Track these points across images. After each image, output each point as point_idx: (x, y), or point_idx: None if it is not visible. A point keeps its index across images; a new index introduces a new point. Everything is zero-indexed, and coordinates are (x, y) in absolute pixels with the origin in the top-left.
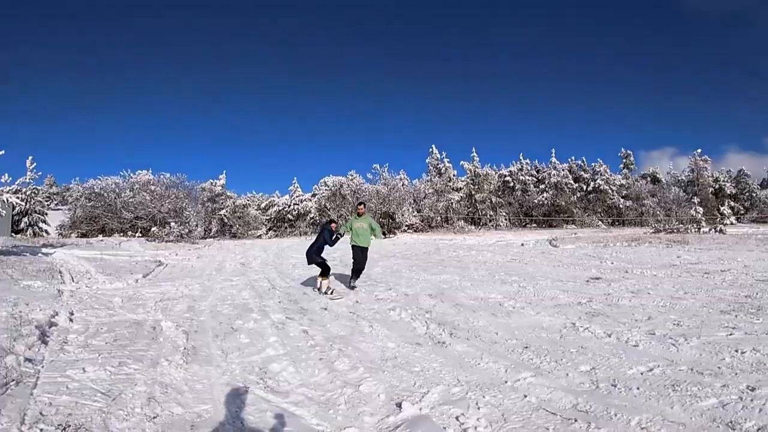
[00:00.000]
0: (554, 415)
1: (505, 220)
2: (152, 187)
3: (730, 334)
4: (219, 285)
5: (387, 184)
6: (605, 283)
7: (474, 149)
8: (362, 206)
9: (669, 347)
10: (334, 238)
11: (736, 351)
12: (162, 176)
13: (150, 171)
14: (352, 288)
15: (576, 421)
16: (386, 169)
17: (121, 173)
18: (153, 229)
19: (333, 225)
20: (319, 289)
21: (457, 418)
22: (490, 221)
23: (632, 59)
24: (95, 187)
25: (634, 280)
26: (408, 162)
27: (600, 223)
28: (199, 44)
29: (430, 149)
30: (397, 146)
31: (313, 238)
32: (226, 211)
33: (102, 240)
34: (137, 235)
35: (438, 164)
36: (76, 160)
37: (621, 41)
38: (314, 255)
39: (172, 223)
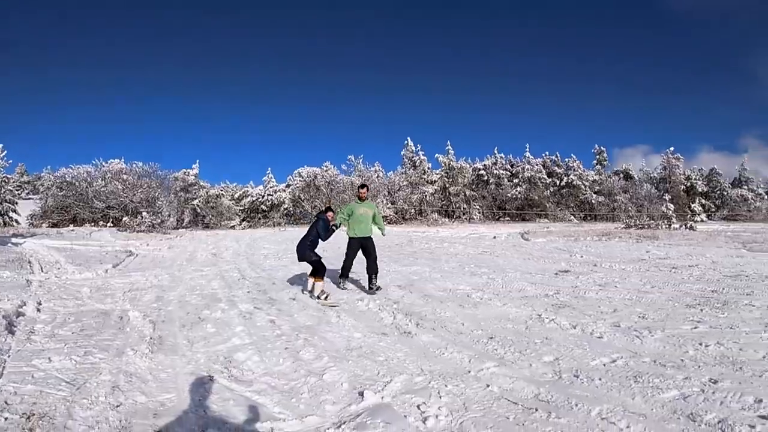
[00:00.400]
0: (515, 404)
1: (479, 213)
2: (124, 176)
3: (695, 328)
4: (189, 275)
5: (362, 176)
6: (573, 276)
7: (449, 143)
8: (365, 189)
9: (633, 339)
10: (328, 230)
11: (700, 344)
12: (134, 165)
13: (122, 160)
14: (343, 289)
15: (537, 410)
16: (361, 160)
17: (93, 162)
18: (124, 219)
19: (330, 214)
20: (310, 293)
21: (418, 406)
22: (463, 214)
23: (608, 57)
24: (67, 175)
25: (602, 273)
26: (383, 154)
27: (572, 217)
28: (172, 34)
29: (406, 142)
30: (373, 138)
31: (287, 228)
32: (199, 201)
33: (73, 230)
34: (108, 225)
35: (413, 157)
36: (48, 149)
37: (597, 39)
38: (307, 250)
39: (144, 213)
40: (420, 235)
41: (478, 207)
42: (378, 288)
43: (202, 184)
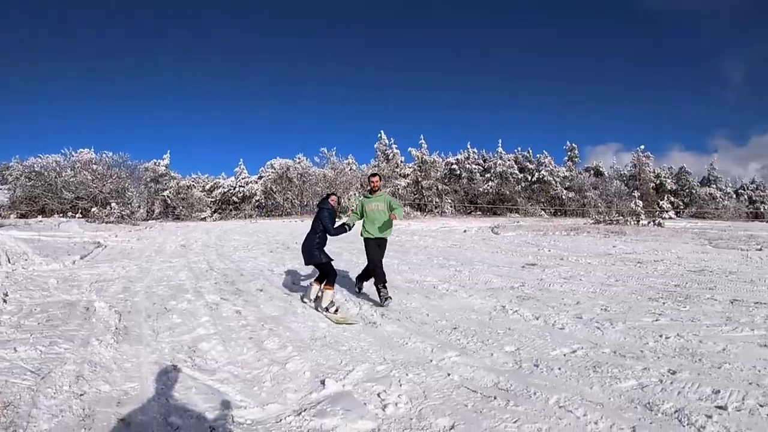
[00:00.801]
0: (475, 392)
1: (451, 207)
2: (94, 167)
3: (656, 320)
4: (157, 266)
5: (335, 168)
6: (540, 269)
7: (422, 136)
8: (377, 178)
9: (594, 330)
10: (337, 227)
11: (661, 336)
12: (104, 155)
13: (92, 150)
14: (359, 290)
15: (495, 398)
16: (334, 152)
17: (63, 151)
18: (93, 209)
19: (333, 199)
20: (315, 303)
21: (378, 394)
22: (435, 208)
23: (583, 56)
24: (36, 165)
25: (568, 266)
26: (357, 147)
27: (543, 212)
28: (144, 21)
29: (379, 135)
30: (347, 131)
31: (258, 220)
32: (170, 192)
33: (41, 221)
34: (77, 216)
35: (386, 150)
36: (17, 139)
37: (573, 38)
38: (315, 251)
39: (114, 204)
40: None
41: (450, 201)
42: (388, 300)
43: (173, 175)
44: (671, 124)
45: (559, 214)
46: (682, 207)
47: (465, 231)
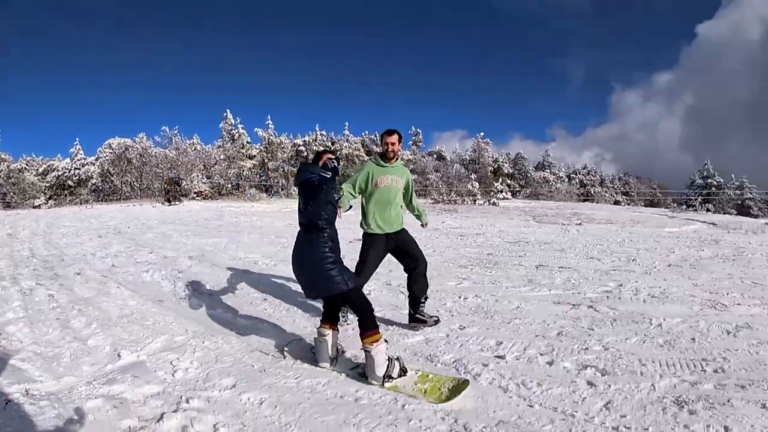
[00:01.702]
0: (267, 354)
1: None
2: None
3: (459, 284)
4: None
5: (178, 148)
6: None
7: (269, 117)
8: (395, 138)
9: (398, 295)
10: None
11: (459, 297)
12: None
13: None
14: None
15: (285, 357)
16: (177, 132)
17: None
18: None
19: (326, 157)
20: (335, 363)
21: (171, 362)
22: (282, 189)
23: (435, 47)
24: None
25: None
26: (201, 127)
27: None
28: None
29: (225, 114)
30: (192, 110)
31: (94, 206)
32: None
33: None
34: None
35: (232, 130)
36: None
37: (427, 31)
38: (331, 269)
39: None
40: (233, 209)
41: None
42: (433, 320)
43: (3, 157)
44: (516, 115)
45: None
46: (517, 189)
47: None
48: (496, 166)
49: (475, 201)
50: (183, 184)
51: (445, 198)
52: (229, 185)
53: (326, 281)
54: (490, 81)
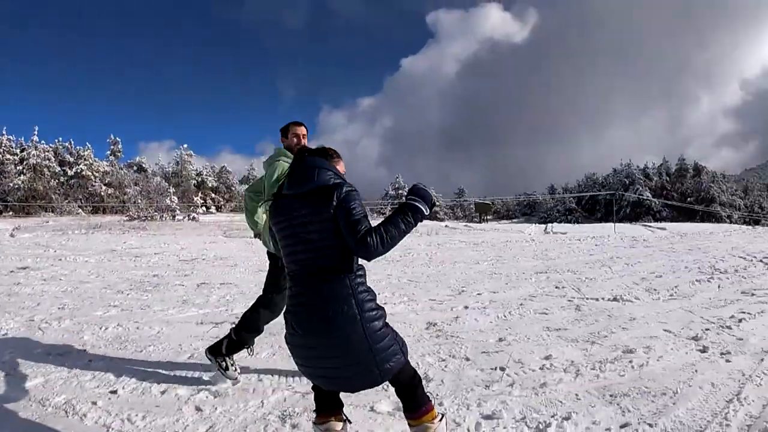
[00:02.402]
0: None
1: None
2: None
3: (106, 312)
4: None
5: None
6: (35, 270)
7: None
8: (305, 129)
9: (36, 332)
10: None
11: (100, 328)
12: None
13: None
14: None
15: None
16: None
17: None
18: None
19: (340, 165)
20: None
21: None
22: None
23: (155, 58)
24: None
25: (60, 266)
26: None
27: (81, 210)
28: None
29: None
30: None
31: None
32: None
33: None
34: None
35: None
36: None
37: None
38: (374, 334)
39: None
40: None
41: None
42: None
43: None
44: (226, 128)
45: (98, 211)
46: (223, 203)
47: None
48: (200, 179)
49: (174, 216)
50: None
51: (142, 214)
52: None
53: (384, 360)
54: (204, 94)
